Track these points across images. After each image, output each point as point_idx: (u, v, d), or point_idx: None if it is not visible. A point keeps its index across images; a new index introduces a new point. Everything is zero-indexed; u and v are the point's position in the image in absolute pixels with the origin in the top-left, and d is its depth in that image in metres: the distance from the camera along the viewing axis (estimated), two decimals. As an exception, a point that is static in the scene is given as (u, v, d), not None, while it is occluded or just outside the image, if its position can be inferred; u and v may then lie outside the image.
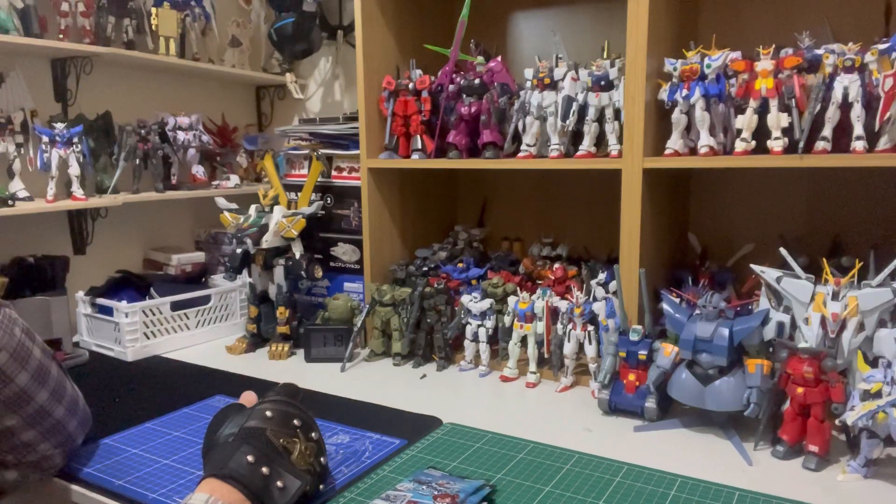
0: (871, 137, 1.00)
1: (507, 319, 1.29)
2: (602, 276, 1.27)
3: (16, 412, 0.84)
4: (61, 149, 1.49)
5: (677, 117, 1.13)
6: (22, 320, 0.88)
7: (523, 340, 1.27)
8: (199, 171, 1.84)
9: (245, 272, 1.53)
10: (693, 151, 1.15)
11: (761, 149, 1.07)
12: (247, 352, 1.49)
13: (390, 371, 1.36)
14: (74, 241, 1.73)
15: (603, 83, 1.20)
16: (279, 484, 0.71)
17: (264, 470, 0.70)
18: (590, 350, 1.19)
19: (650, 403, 1.06)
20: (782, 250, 1.04)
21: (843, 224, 1.32)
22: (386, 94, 1.43)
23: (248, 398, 0.88)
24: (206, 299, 1.60)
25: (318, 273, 1.51)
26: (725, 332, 0.99)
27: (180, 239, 2.00)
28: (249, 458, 0.70)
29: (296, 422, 0.79)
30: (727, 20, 1.38)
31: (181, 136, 1.77)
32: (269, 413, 0.77)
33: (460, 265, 1.46)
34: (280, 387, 0.89)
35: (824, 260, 1.02)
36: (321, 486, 0.81)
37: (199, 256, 1.85)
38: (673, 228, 1.38)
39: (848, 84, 1.00)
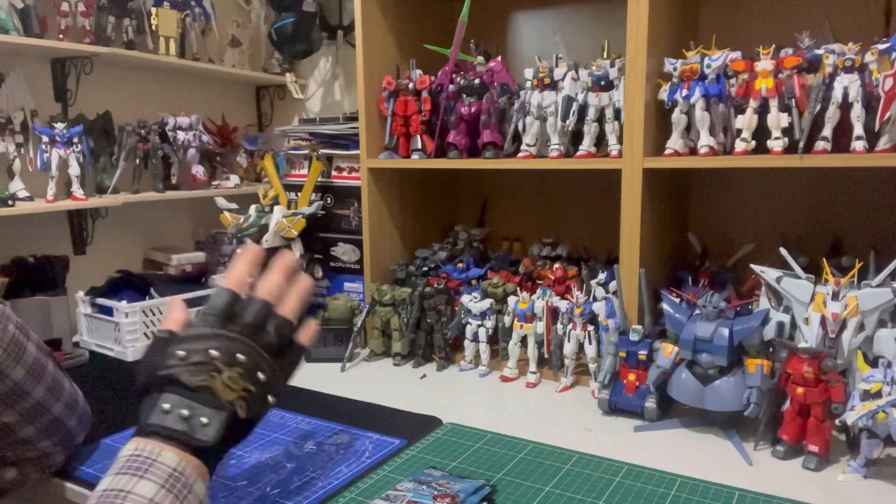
0: (871, 137, 1.00)
1: (507, 319, 1.29)
2: (602, 276, 1.27)
3: (12, 407, 0.84)
4: (61, 149, 1.49)
5: (677, 117, 1.13)
6: (17, 317, 0.88)
7: (523, 340, 1.27)
8: (199, 171, 1.84)
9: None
10: (693, 151, 1.15)
11: (761, 149, 1.07)
12: (247, 352, 1.48)
13: (390, 371, 1.36)
14: (74, 241, 1.73)
15: (603, 83, 1.20)
16: (203, 420, 0.68)
17: (183, 413, 0.68)
18: (590, 350, 1.19)
19: (650, 403, 1.06)
20: (782, 250, 1.04)
21: (843, 224, 1.32)
22: (386, 94, 1.43)
23: (175, 316, 0.79)
24: (206, 299, 1.60)
25: (318, 273, 1.51)
26: (725, 332, 0.99)
27: (180, 239, 2.00)
28: (165, 406, 0.68)
29: (213, 353, 0.72)
30: (727, 20, 1.38)
31: (181, 136, 1.77)
32: (181, 353, 0.72)
33: (460, 265, 1.46)
34: (205, 305, 0.79)
35: (824, 260, 1.02)
36: (270, 399, 0.75)
37: (199, 256, 1.85)
38: (673, 228, 1.38)
39: (848, 84, 1.00)
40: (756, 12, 1.36)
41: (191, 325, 0.76)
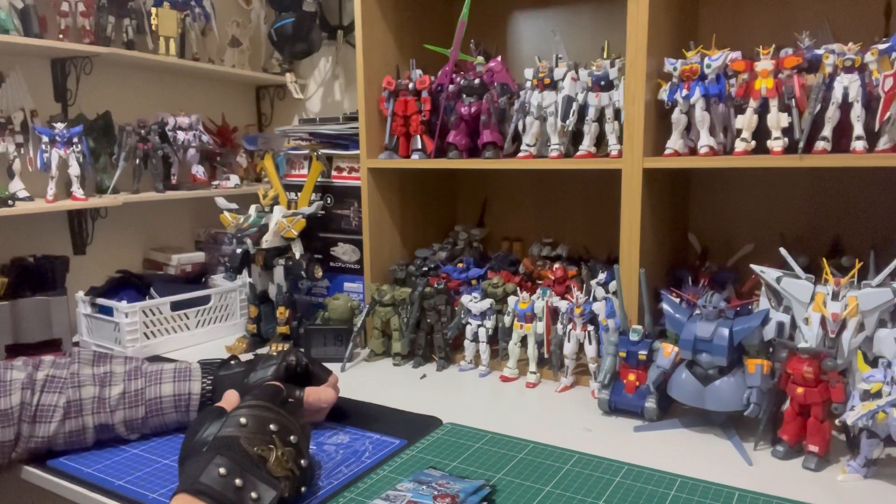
0: (871, 137, 1.00)
1: (507, 319, 1.29)
2: (602, 276, 1.27)
3: None
4: (61, 149, 1.49)
5: (677, 117, 1.13)
6: None
7: (523, 340, 1.27)
8: (199, 171, 1.84)
9: (245, 272, 1.53)
10: (693, 151, 1.15)
11: (761, 149, 1.07)
12: (247, 352, 1.49)
13: (390, 371, 1.36)
14: (74, 241, 1.73)
15: (603, 83, 1.20)
16: (253, 495, 0.70)
17: (237, 482, 0.69)
18: (590, 350, 1.19)
19: (650, 403, 1.06)
20: (782, 250, 1.04)
21: (843, 224, 1.32)
22: (386, 94, 1.43)
23: (229, 399, 0.87)
24: (206, 299, 1.60)
25: (318, 273, 1.51)
26: (725, 332, 0.99)
27: (180, 239, 2.00)
28: (222, 470, 0.69)
29: (272, 427, 0.77)
30: (727, 20, 1.38)
31: (181, 136, 1.77)
32: (243, 420, 0.76)
33: (460, 265, 1.46)
34: (260, 389, 0.88)
35: (824, 260, 1.02)
36: (303, 489, 0.80)
37: (199, 256, 1.85)
38: (673, 228, 1.38)
39: (848, 84, 1.00)
40: (756, 12, 1.36)
41: (248, 399, 0.83)
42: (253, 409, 0.79)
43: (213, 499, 0.67)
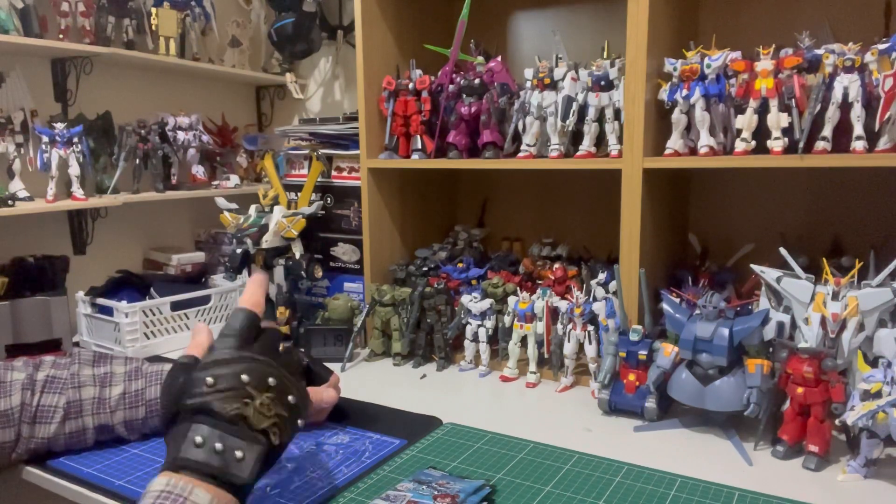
0: (871, 137, 1.00)
1: (507, 319, 1.29)
2: (602, 276, 1.27)
3: None
4: (61, 149, 1.49)
5: (677, 117, 1.13)
6: None
7: (523, 340, 1.27)
8: (199, 171, 1.84)
9: (245, 272, 1.53)
10: (693, 151, 1.15)
11: (761, 149, 1.07)
12: (247, 352, 1.48)
13: (390, 371, 1.36)
14: (74, 241, 1.73)
15: (603, 83, 1.20)
16: (237, 455, 0.66)
17: (217, 446, 0.65)
18: (590, 350, 1.19)
19: (650, 403, 1.06)
20: (782, 250, 1.04)
21: (843, 224, 1.32)
22: (386, 94, 1.43)
23: (199, 340, 0.77)
24: (206, 299, 1.60)
25: (318, 273, 1.51)
26: (725, 332, 0.99)
27: (180, 239, 2.00)
28: (198, 439, 0.65)
29: (244, 377, 0.70)
30: (727, 20, 1.38)
31: (181, 136, 1.78)
32: (210, 380, 0.69)
33: (460, 265, 1.46)
34: (223, 337, 0.75)
35: (824, 260, 1.02)
36: (300, 422, 0.75)
37: (199, 256, 1.85)
38: (673, 228, 1.38)
39: (848, 84, 0.99)
40: (756, 12, 1.36)
41: (213, 349, 0.73)
42: (218, 365, 0.70)
43: (196, 471, 0.64)
